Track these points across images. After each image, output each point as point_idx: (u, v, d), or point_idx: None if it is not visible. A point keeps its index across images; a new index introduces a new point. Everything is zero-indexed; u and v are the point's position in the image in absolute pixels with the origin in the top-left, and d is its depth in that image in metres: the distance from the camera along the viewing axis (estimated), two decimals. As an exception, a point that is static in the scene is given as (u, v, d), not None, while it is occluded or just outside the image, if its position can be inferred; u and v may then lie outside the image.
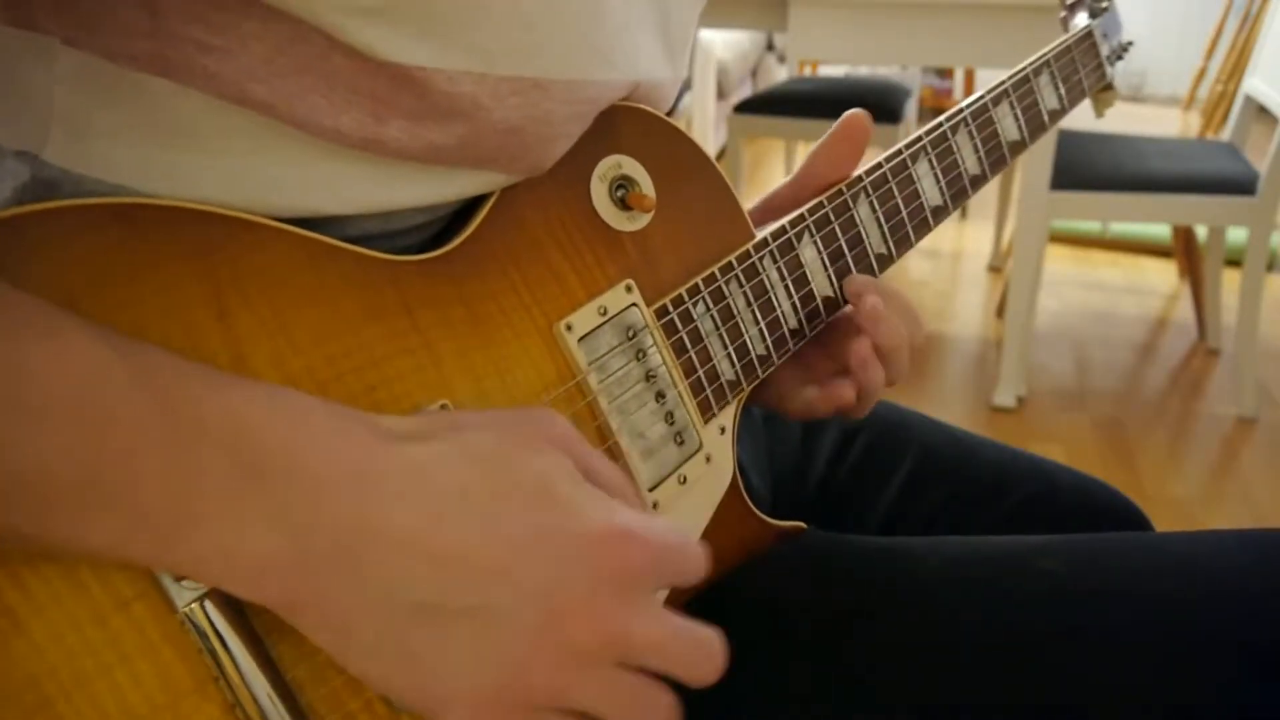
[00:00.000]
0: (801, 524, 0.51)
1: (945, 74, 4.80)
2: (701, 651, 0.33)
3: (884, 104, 2.52)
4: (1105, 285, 2.73)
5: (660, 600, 0.35)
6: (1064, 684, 0.42)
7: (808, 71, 4.10)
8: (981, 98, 0.57)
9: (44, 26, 0.33)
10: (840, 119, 0.52)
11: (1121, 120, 2.55)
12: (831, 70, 4.37)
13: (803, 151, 3.95)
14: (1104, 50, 0.68)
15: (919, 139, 0.54)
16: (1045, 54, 0.61)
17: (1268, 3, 2.12)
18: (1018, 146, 0.59)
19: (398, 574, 0.31)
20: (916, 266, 2.84)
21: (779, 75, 4.56)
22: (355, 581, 0.30)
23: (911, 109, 3.01)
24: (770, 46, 4.51)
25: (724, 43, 3.61)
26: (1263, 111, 2.03)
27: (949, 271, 2.85)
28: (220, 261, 0.33)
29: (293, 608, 0.31)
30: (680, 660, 0.33)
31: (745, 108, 2.59)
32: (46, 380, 0.28)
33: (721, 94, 3.54)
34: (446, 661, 0.31)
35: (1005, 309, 2.02)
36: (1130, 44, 0.73)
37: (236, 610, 0.32)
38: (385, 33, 0.33)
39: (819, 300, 0.51)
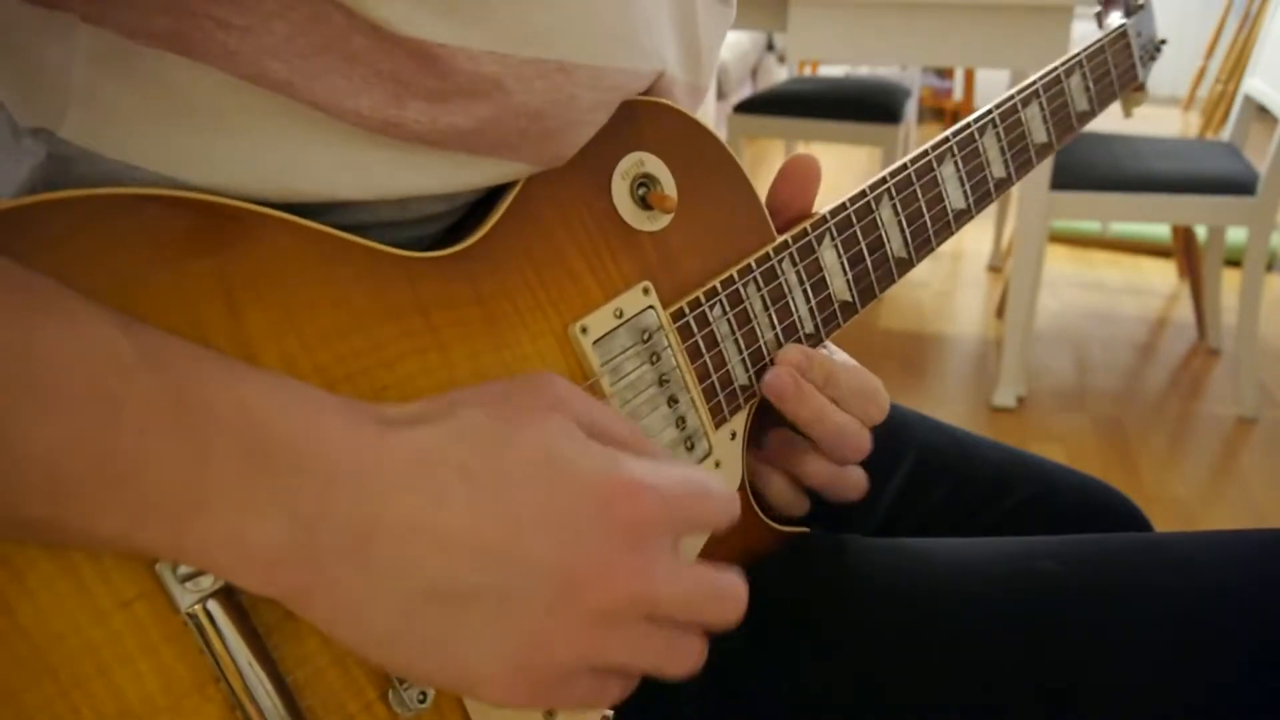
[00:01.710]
0: (805, 529, 0.51)
1: (945, 74, 4.80)
2: (725, 598, 0.34)
3: (884, 104, 2.52)
4: (1105, 285, 2.73)
5: (680, 550, 0.34)
6: (1064, 684, 0.42)
7: (808, 71, 4.10)
8: (1011, 98, 0.56)
9: (63, 3, 0.33)
10: (785, 163, 0.51)
11: (1121, 120, 2.56)
12: (831, 70, 4.37)
13: (803, 152, 3.93)
14: (1137, 50, 0.67)
15: (945, 140, 0.53)
16: (1079, 54, 0.60)
17: (1268, 3, 2.12)
18: (1045, 149, 0.58)
19: (406, 559, 0.30)
20: (917, 266, 2.84)
21: (779, 75, 4.56)
22: (365, 570, 0.30)
23: (911, 109, 3.01)
24: (770, 46, 4.50)
25: (724, 43, 3.60)
26: (1262, 111, 2.03)
27: (949, 271, 2.85)
28: (231, 256, 0.33)
29: (303, 599, 0.31)
30: (705, 610, 0.33)
31: (745, 108, 2.59)
32: (56, 361, 0.27)
33: (721, 94, 3.54)
34: (467, 642, 0.31)
35: (1005, 309, 2.02)
36: (1164, 42, 0.71)
37: (239, 610, 0.32)
38: (405, 8, 0.33)
39: (836, 305, 0.50)
